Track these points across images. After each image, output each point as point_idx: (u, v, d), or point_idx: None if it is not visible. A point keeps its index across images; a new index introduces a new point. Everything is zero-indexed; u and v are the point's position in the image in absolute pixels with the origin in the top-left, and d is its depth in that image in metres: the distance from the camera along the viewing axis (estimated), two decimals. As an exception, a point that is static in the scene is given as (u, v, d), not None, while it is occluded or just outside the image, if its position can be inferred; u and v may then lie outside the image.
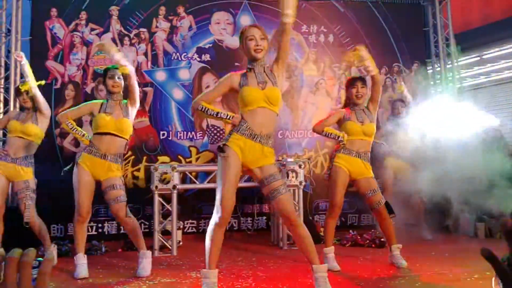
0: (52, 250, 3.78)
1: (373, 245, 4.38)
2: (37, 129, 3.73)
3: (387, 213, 3.50)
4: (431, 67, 6.45)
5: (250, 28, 2.71)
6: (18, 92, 3.77)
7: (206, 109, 2.69)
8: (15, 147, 3.68)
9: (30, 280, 0.60)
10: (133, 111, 3.48)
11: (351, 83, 3.63)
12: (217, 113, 2.71)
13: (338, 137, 3.48)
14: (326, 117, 3.74)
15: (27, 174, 3.69)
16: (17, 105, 4.77)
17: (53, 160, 4.94)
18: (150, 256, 3.47)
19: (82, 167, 3.35)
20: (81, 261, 3.36)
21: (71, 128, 3.39)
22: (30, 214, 3.60)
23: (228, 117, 2.68)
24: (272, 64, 2.76)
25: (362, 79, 3.65)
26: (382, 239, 4.31)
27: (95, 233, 4.92)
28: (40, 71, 5.00)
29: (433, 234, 4.71)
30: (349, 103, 3.66)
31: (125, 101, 3.49)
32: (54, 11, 5.15)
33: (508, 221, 0.63)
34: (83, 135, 3.41)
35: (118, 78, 3.42)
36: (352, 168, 3.50)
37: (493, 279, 0.65)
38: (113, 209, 3.36)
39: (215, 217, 2.65)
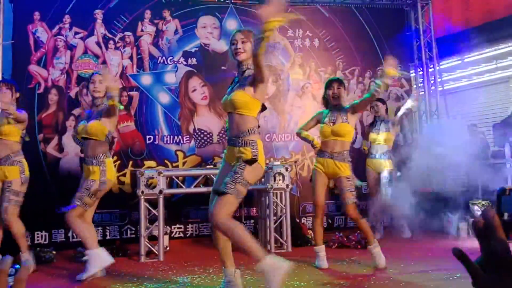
0: (28, 257, 3.68)
1: (359, 246, 4.43)
2: (13, 128, 3.67)
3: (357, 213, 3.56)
4: (414, 70, 6.57)
5: (234, 34, 2.76)
6: None
7: None
8: None
9: (6, 287, 0.59)
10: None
11: (327, 84, 3.73)
12: None
13: (312, 142, 3.76)
14: (306, 123, 3.88)
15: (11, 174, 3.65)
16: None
17: (36, 166, 4.84)
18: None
19: None
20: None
21: None
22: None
23: None
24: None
25: (339, 81, 3.73)
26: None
27: (79, 239, 4.84)
28: (23, 76, 4.95)
29: (416, 234, 4.81)
30: (328, 105, 3.74)
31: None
32: (37, 15, 5.07)
33: (479, 222, 0.63)
34: None
35: (100, 82, 3.48)
36: (326, 169, 3.63)
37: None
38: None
39: None
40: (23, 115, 3.67)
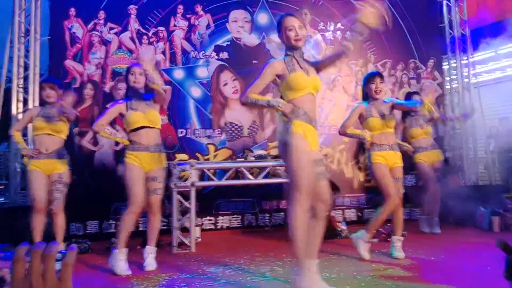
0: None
1: (388, 239, 4.39)
2: (64, 126, 3.89)
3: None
4: (447, 63, 6.43)
5: (288, 18, 2.70)
6: (41, 88, 3.94)
7: (257, 100, 2.67)
8: (46, 144, 3.82)
9: (54, 272, 0.61)
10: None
11: (369, 79, 3.73)
12: (268, 101, 2.68)
13: (363, 137, 3.70)
14: (347, 118, 3.81)
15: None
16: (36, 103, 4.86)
17: (72, 159, 4.98)
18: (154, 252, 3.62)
19: (132, 163, 3.50)
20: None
21: (109, 134, 3.68)
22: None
23: (279, 104, 2.64)
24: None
25: (380, 75, 3.75)
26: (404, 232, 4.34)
27: (114, 230, 4.97)
28: (59, 71, 5.09)
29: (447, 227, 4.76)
30: (368, 99, 3.75)
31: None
32: (72, 11, 5.20)
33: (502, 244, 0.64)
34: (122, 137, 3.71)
35: (140, 74, 3.54)
36: (388, 161, 3.68)
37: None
38: (150, 200, 3.52)
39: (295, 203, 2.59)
40: (72, 115, 3.87)
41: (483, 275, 2.98)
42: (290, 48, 2.74)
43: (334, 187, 3.77)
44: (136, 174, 3.47)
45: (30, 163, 3.80)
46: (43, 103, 3.93)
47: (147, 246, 3.59)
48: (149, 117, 3.53)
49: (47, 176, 3.80)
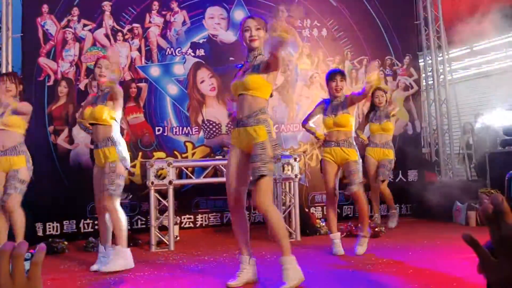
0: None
1: (380, 234, 4.46)
2: (18, 120, 3.63)
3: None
4: (422, 59, 6.52)
5: (246, 20, 2.82)
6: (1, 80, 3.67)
7: None
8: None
9: (23, 271, 0.60)
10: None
11: (330, 76, 3.78)
12: None
13: (314, 134, 3.88)
14: (310, 112, 3.95)
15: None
16: None
17: (47, 158, 4.91)
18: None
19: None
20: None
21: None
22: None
23: None
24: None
25: (341, 73, 3.82)
26: (376, 229, 4.39)
27: (92, 230, 4.92)
28: (32, 68, 4.99)
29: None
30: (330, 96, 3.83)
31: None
32: (45, 7, 5.09)
33: (488, 207, 0.63)
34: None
35: (106, 68, 3.43)
36: (335, 157, 3.73)
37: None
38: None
39: None
40: (26, 107, 3.64)
41: (459, 269, 3.02)
42: (248, 50, 2.83)
43: None
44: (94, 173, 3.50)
45: None
46: None
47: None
48: (94, 113, 3.41)
49: (5, 174, 3.60)
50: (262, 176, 2.61)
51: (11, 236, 3.57)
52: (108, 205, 3.35)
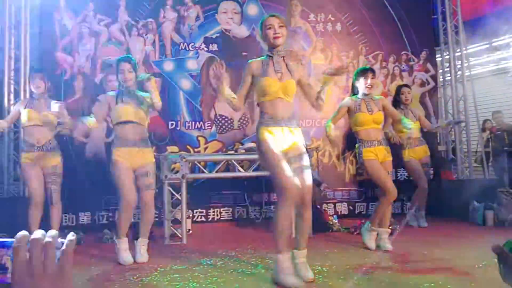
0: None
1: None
2: (53, 117, 3.88)
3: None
4: (440, 55, 6.40)
5: (268, 18, 2.83)
6: (31, 77, 3.94)
7: (226, 98, 2.87)
8: (37, 135, 3.81)
9: (54, 260, 0.62)
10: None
11: (361, 73, 3.70)
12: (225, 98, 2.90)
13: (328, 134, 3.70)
14: (335, 113, 3.82)
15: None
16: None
17: (64, 151, 4.99)
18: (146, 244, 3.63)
19: (118, 160, 3.44)
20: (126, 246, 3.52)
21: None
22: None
23: (228, 100, 2.86)
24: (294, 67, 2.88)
25: (372, 70, 3.74)
26: (390, 227, 4.33)
27: (106, 222, 4.99)
28: (49, 63, 5.07)
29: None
30: (358, 93, 3.74)
31: (142, 94, 3.57)
32: (62, 2, 5.16)
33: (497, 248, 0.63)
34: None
35: (129, 72, 3.47)
36: (379, 156, 3.67)
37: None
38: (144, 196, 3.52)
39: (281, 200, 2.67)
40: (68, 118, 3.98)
41: (475, 269, 2.98)
42: (270, 47, 2.84)
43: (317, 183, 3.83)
44: (124, 171, 3.44)
45: (23, 156, 3.80)
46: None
47: (139, 238, 3.59)
48: (137, 113, 3.49)
49: (41, 169, 3.82)
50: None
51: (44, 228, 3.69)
52: (152, 202, 3.56)
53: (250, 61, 2.91)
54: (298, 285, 2.60)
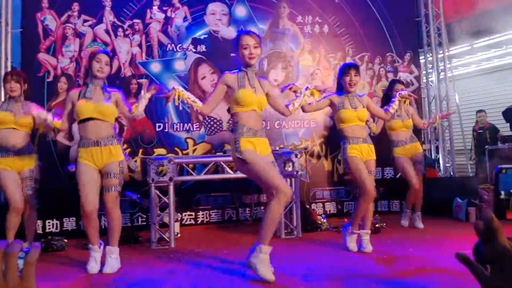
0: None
1: (380, 231, 4.45)
2: (29, 120, 3.67)
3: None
4: (423, 56, 6.53)
5: (245, 37, 2.95)
6: (5, 79, 3.70)
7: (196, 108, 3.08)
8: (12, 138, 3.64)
9: (16, 270, 0.60)
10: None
11: (344, 70, 3.66)
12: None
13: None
14: (317, 101, 3.69)
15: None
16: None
17: (47, 155, 4.88)
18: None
19: (81, 162, 3.22)
20: (97, 254, 3.30)
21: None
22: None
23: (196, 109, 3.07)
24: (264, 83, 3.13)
25: (356, 67, 3.70)
26: (377, 225, 4.39)
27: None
28: (32, 64, 4.96)
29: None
30: (341, 91, 3.71)
31: (110, 89, 3.36)
32: (45, 2, 5.04)
33: (480, 224, 0.62)
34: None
35: (106, 64, 3.28)
36: (362, 154, 3.64)
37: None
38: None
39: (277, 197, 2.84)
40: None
41: (460, 265, 3.02)
42: (244, 64, 2.99)
43: None
44: (86, 174, 3.20)
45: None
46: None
47: (107, 247, 3.32)
48: (99, 109, 3.20)
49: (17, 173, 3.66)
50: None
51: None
52: (114, 206, 3.24)
53: (226, 73, 3.05)
54: (271, 279, 2.78)
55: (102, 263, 3.28)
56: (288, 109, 3.23)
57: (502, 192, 4.96)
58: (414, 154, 4.72)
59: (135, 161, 3.91)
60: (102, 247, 3.35)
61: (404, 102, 4.15)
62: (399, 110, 4.59)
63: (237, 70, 3.03)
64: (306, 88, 3.33)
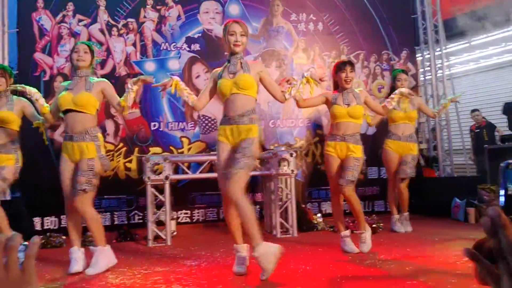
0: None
1: (377, 231, 4.42)
2: (13, 116, 3.44)
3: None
4: (420, 54, 6.50)
5: (232, 24, 2.96)
6: None
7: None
8: None
9: (17, 263, 0.60)
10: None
11: (340, 67, 3.61)
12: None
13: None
14: (312, 97, 3.73)
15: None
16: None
17: (44, 153, 4.91)
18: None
19: (62, 156, 3.19)
20: (75, 255, 3.24)
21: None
22: None
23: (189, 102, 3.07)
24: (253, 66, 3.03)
25: (351, 63, 3.66)
26: (374, 225, 4.36)
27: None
28: (28, 64, 4.98)
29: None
30: (337, 88, 3.68)
31: (95, 79, 3.29)
32: (40, 2, 5.07)
33: (487, 220, 0.61)
34: None
35: (85, 52, 3.19)
36: (339, 152, 3.58)
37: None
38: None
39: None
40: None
41: (458, 265, 3.00)
42: (230, 52, 3.01)
43: None
44: (64, 169, 3.16)
45: None
46: None
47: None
48: (76, 99, 3.09)
49: None
50: (241, 168, 2.77)
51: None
52: (82, 206, 3.10)
53: (216, 69, 3.10)
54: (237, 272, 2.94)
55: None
56: (283, 95, 3.15)
57: (511, 187, 4.87)
58: (405, 154, 4.42)
59: (109, 159, 3.82)
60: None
61: (406, 98, 4.01)
62: (402, 102, 4.31)
63: (225, 63, 3.05)
64: (303, 76, 3.29)
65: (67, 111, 3.16)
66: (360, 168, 3.58)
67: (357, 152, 3.55)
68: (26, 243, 0.63)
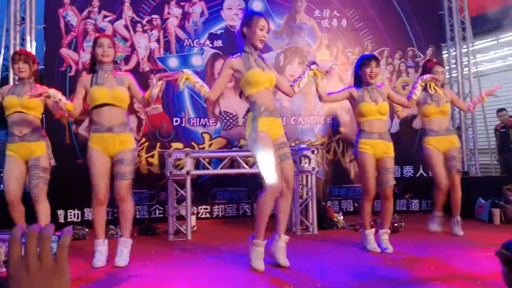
0: None
1: (399, 230, 4.37)
2: (36, 102, 3.35)
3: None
4: (446, 51, 6.35)
5: (262, 19, 3.00)
6: (13, 60, 3.42)
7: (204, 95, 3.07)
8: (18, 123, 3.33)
9: (50, 253, 0.61)
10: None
11: (364, 62, 3.52)
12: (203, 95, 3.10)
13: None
14: (337, 92, 3.74)
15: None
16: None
17: (69, 147, 5.02)
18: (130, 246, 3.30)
19: (92, 147, 3.17)
20: (101, 247, 3.26)
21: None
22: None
23: (204, 95, 3.06)
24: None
25: (376, 59, 3.58)
26: (395, 225, 4.31)
27: (111, 217, 4.99)
28: (54, 59, 5.09)
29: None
30: (361, 84, 3.58)
31: (120, 73, 3.33)
32: (66, -1, 5.17)
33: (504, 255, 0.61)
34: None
35: (109, 47, 3.22)
36: (375, 150, 3.50)
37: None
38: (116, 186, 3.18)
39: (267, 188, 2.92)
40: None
41: (481, 266, 2.95)
42: (251, 45, 3.01)
43: None
44: (97, 161, 3.16)
45: (7, 147, 3.35)
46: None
47: (121, 238, 3.30)
48: (114, 94, 3.17)
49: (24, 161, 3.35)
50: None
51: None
52: (127, 195, 3.19)
53: (230, 57, 3.06)
54: (259, 269, 2.95)
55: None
56: (292, 89, 3.24)
57: None
58: (449, 149, 4.10)
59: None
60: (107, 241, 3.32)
61: (430, 86, 3.83)
62: (434, 95, 4.04)
63: (239, 54, 3.04)
64: (309, 68, 3.28)
65: (101, 105, 3.17)
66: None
67: (392, 150, 3.54)
68: (57, 234, 0.64)
